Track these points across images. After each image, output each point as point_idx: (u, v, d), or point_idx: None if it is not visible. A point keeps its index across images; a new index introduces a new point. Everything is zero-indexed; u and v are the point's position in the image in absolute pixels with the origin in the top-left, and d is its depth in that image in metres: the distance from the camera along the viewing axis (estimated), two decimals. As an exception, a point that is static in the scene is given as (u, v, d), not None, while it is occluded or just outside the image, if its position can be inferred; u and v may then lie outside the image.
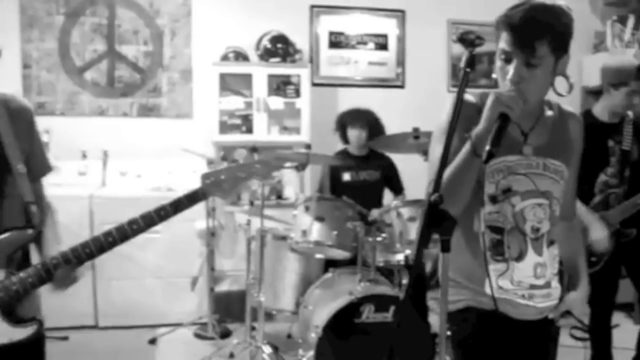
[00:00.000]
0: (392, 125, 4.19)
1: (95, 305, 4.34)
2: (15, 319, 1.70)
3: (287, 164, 3.99)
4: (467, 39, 1.44)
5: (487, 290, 1.68)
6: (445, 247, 1.43)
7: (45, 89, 4.84)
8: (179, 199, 1.81)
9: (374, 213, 3.73)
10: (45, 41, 4.81)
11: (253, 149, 2.20)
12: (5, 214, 1.79)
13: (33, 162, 1.86)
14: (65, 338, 4.05)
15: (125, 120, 4.97)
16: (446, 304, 1.44)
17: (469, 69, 1.44)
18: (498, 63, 1.63)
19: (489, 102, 1.54)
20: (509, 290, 1.69)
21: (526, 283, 1.69)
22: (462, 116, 1.64)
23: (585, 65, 5.34)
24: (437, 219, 1.39)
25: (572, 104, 1.97)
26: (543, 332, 1.78)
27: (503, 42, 1.59)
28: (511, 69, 1.58)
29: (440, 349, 1.40)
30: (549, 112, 1.77)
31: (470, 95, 1.71)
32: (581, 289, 1.83)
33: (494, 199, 1.68)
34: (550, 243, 1.73)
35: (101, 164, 4.75)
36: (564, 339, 2.47)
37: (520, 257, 1.69)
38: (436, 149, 1.64)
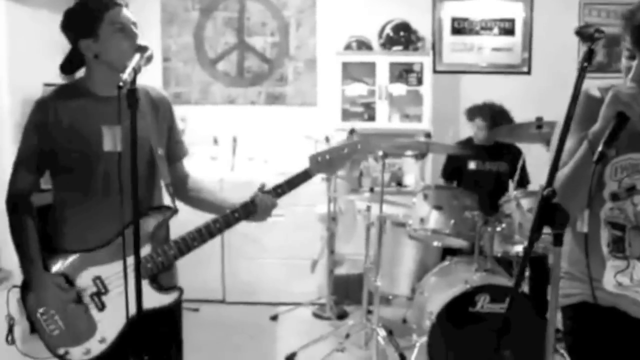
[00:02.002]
0: (518, 113, 4.07)
1: (223, 281, 4.66)
2: (161, 287, 1.94)
3: (408, 152, 4.06)
4: (586, 33, 1.39)
5: (606, 285, 1.64)
6: (558, 241, 1.41)
7: (182, 80, 5.22)
8: (292, 178, 2.04)
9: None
10: (183, 36, 5.18)
11: (352, 130, 2.38)
12: (154, 194, 2.03)
13: (173, 146, 2.10)
14: (197, 310, 4.41)
15: (254, 108, 5.24)
16: (557, 297, 1.43)
17: (586, 64, 1.38)
18: (623, 60, 1.58)
19: (607, 99, 1.49)
20: (628, 287, 1.64)
21: None
22: (587, 112, 1.60)
23: None
24: (550, 213, 1.38)
25: None
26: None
27: (626, 39, 1.53)
28: (634, 66, 1.52)
29: (547, 344, 1.39)
30: None
31: (595, 90, 1.66)
32: None
33: (615, 197, 1.64)
34: None
35: (231, 150, 5.05)
36: None
37: None
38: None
